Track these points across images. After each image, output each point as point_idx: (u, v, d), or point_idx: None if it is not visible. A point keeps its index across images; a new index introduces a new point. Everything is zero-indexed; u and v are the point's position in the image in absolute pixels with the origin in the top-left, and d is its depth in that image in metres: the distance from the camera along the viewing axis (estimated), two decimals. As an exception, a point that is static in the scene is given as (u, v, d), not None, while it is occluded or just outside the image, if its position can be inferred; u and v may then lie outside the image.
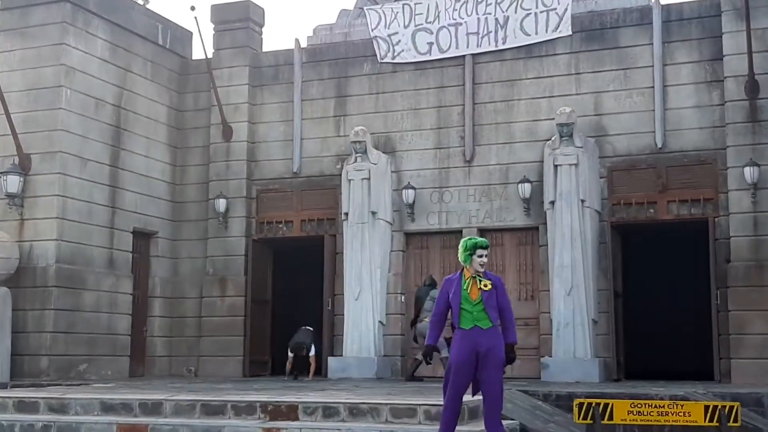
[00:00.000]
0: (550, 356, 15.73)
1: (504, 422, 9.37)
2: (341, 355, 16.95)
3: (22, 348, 15.79)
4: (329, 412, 9.15)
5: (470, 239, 7.78)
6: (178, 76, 19.53)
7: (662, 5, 16.55)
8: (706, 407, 8.67)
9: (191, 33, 20.07)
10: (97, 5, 17.40)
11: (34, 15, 16.79)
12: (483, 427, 7.62)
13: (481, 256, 7.66)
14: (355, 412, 9.07)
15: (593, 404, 8.77)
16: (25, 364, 15.82)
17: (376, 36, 18.16)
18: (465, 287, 7.64)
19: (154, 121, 18.76)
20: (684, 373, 15.94)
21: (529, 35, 17.17)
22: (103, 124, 17.45)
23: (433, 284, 15.35)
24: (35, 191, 16.29)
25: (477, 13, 17.49)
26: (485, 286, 7.61)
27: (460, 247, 7.74)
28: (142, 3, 18.88)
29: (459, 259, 7.75)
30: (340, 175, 17.70)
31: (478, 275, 7.63)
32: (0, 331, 15.47)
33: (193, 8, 17.10)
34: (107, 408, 10.05)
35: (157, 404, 9.91)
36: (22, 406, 10.44)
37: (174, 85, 19.42)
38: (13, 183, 16.09)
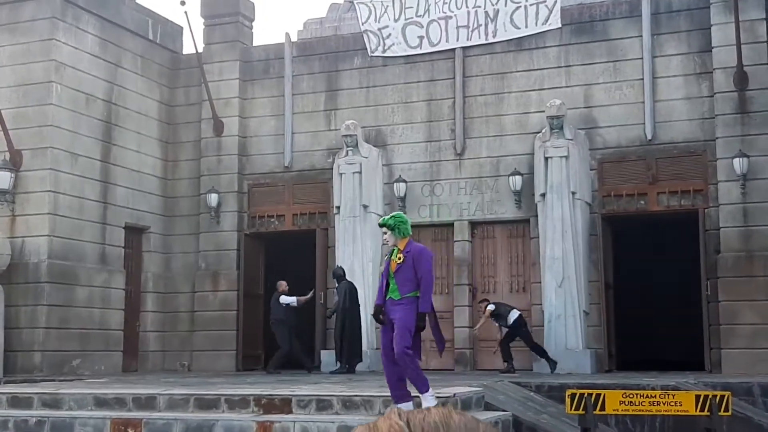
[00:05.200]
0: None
1: (496, 413, 9.46)
2: (334, 349, 16.97)
3: (14, 344, 15.79)
4: (323, 405, 9.20)
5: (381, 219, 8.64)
6: (168, 71, 19.50)
7: (651, -3, 16.62)
8: (697, 397, 8.76)
9: (181, 28, 20.03)
10: (87, 1, 17.35)
11: (24, 11, 16.74)
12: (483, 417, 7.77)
13: (385, 233, 8.47)
14: (349, 404, 9.12)
15: (585, 395, 8.84)
16: (18, 359, 15.82)
17: (366, 30, 18.16)
18: (389, 260, 8.46)
19: (144, 117, 18.74)
20: (675, 363, 16.04)
21: (519, 28, 17.21)
22: (94, 119, 17.42)
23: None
24: (26, 187, 16.27)
25: (467, 7, 17.51)
26: (399, 259, 8.33)
27: None
28: (131, -2, 18.84)
29: None
30: (332, 168, 17.73)
31: (397, 249, 8.31)
32: (-8, 328, 15.47)
33: (183, 3, 17.06)
34: (101, 403, 10.08)
35: (150, 399, 9.95)
36: (16, 401, 10.46)
37: (164, 80, 19.40)
38: (4, 179, 16.06)
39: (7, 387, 11.97)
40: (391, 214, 8.64)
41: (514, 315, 15.21)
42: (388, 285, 8.44)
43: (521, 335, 15.24)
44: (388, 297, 8.42)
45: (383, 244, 17.46)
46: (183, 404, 9.78)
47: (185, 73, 19.46)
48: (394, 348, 8.20)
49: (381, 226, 8.54)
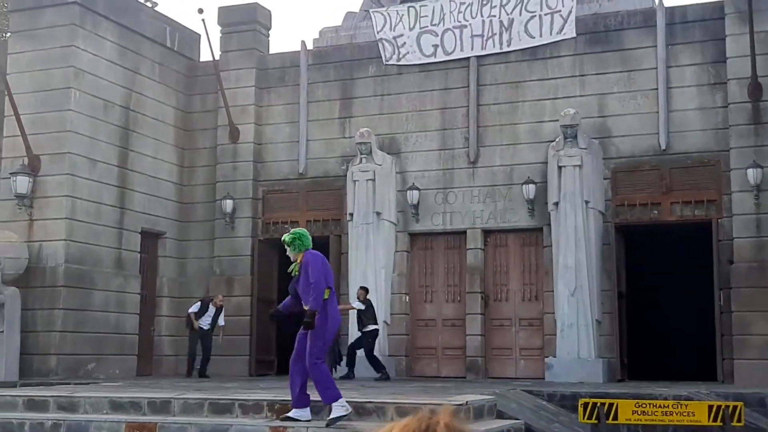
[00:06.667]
0: (554, 357, 15.83)
1: (509, 422, 9.50)
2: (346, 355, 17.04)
3: (31, 347, 15.94)
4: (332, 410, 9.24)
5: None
6: (185, 78, 19.67)
7: (666, 8, 16.64)
8: (710, 407, 8.78)
9: (199, 35, 20.21)
10: (106, 8, 17.55)
11: (44, 17, 16.94)
12: (487, 426, 7.84)
13: (286, 250, 8.84)
14: (361, 411, 9.18)
15: (598, 404, 8.88)
16: (34, 363, 15.97)
17: (381, 38, 18.27)
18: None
19: (161, 123, 18.90)
20: (687, 373, 16.03)
21: (534, 37, 17.27)
22: (112, 125, 17.59)
23: None
24: (44, 192, 16.45)
25: (482, 16, 17.58)
26: (296, 271, 8.73)
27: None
28: (150, 5, 19.03)
29: None
30: (346, 176, 17.83)
31: (295, 263, 8.73)
32: (9, 331, 15.62)
33: (201, 11, 17.21)
34: (116, 406, 10.17)
35: (165, 403, 10.04)
36: (32, 404, 10.57)
37: (181, 86, 19.57)
38: (23, 184, 16.24)
39: (23, 390, 12.09)
40: (291, 231, 8.90)
41: (371, 327, 15.83)
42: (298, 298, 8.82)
43: (366, 345, 15.84)
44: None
45: (395, 252, 17.62)
46: (197, 408, 9.87)
47: (202, 80, 19.62)
48: (307, 357, 8.57)
49: (283, 244, 8.84)
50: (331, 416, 8.52)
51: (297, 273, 8.70)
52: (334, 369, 15.93)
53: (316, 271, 8.54)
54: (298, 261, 8.68)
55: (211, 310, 17.33)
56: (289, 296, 9.01)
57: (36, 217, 16.44)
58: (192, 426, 9.36)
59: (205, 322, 17.28)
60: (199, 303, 17.54)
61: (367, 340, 15.94)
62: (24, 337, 15.86)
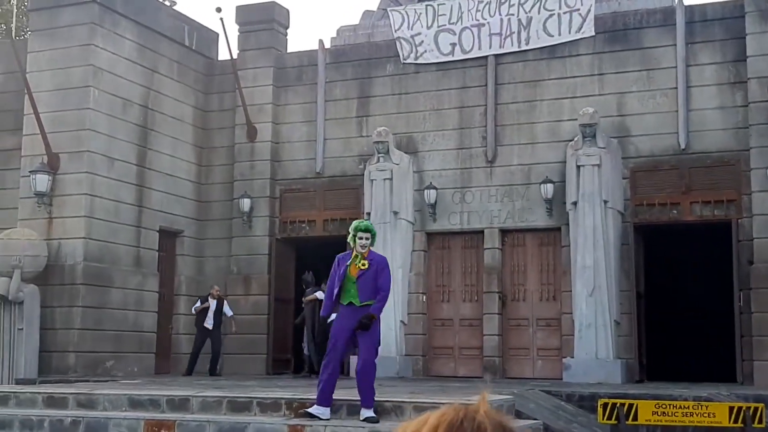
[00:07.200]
0: (572, 357, 15.75)
1: (527, 422, 9.47)
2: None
3: (50, 344, 16.04)
4: (354, 409, 9.25)
5: (357, 222, 8.82)
6: (203, 77, 19.73)
7: (686, 6, 16.53)
8: (731, 408, 8.72)
9: (217, 34, 20.27)
10: (125, 6, 17.62)
11: (63, 16, 17.03)
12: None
13: (361, 239, 8.60)
14: (380, 410, 9.17)
15: (618, 404, 8.83)
16: (52, 360, 16.06)
17: (399, 37, 18.25)
18: (349, 265, 8.60)
19: (180, 122, 18.97)
20: (706, 374, 15.92)
21: (552, 36, 17.19)
22: (130, 124, 17.67)
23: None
24: (63, 190, 16.54)
25: (500, 14, 17.52)
26: (363, 265, 8.52)
27: (350, 229, 8.70)
28: (168, 4, 19.10)
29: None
30: (363, 175, 17.82)
31: (361, 255, 8.44)
32: (28, 328, 15.73)
33: (219, 9, 17.27)
34: (135, 404, 10.22)
35: (184, 400, 10.07)
36: (51, 401, 10.63)
37: (200, 85, 19.62)
38: (42, 182, 16.34)
39: (42, 387, 12.17)
40: (364, 221, 8.88)
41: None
42: (339, 290, 8.68)
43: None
44: (348, 302, 8.68)
45: (412, 251, 17.59)
46: (216, 406, 9.90)
47: (220, 79, 19.67)
48: (363, 358, 8.60)
49: (365, 231, 8.66)
50: (367, 416, 8.64)
51: (365, 266, 8.56)
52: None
53: (388, 279, 8.65)
54: (365, 255, 8.60)
55: (213, 303, 17.29)
56: (327, 298, 8.89)
57: (55, 215, 16.53)
58: (210, 424, 9.39)
59: (209, 321, 17.27)
60: (198, 300, 17.56)
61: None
62: (43, 335, 15.96)
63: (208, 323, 17.27)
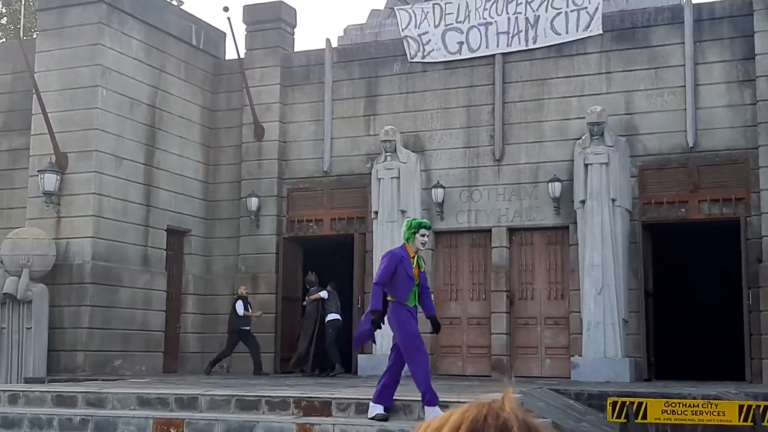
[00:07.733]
0: (581, 356, 15.73)
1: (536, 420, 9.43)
2: (371, 353, 17.05)
3: (58, 343, 16.08)
4: (362, 408, 9.27)
5: (415, 219, 8.39)
6: (211, 76, 19.75)
7: (694, 4, 16.48)
8: (741, 407, 8.69)
9: (224, 33, 20.29)
10: (132, 6, 17.65)
11: (71, 15, 17.08)
12: None
13: (423, 236, 8.38)
14: (389, 408, 9.16)
15: (627, 403, 8.81)
16: (61, 359, 16.11)
17: (406, 36, 18.24)
18: (413, 265, 8.37)
19: (187, 121, 19.00)
20: (715, 373, 15.88)
21: (560, 34, 17.16)
22: (138, 123, 17.70)
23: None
24: (72, 189, 16.58)
25: (507, 13, 17.50)
26: (422, 267, 8.43)
27: (404, 225, 8.29)
28: (176, 4, 19.13)
29: (402, 236, 8.28)
30: (370, 174, 17.81)
31: (419, 255, 8.21)
32: (37, 327, 15.78)
33: (226, 9, 17.30)
34: (144, 402, 10.25)
35: (192, 399, 10.09)
36: (61, 400, 10.67)
37: (207, 85, 19.65)
38: (50, 181, 16.38)
39: (51, 386, 12.21)
40: (421, 219, 8.75)
41: (332, 317, 16.32)
42: (408, 290, 8.47)
43: (327, 336, 16.26)
44: (414, 304, 8.52)
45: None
46: (224, 405, 9.92)
47: (227, 78, 19.70)
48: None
49: (429, 228, 8.52)
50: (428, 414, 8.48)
51: (423, 268, 8.44)
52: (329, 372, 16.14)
53: (426, 280, 8.60)
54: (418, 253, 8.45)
55: (240, 304, 17.09)
56: (377, 291, 8.37)
57: (63, 214, 16.57)
58: (219, 422, 9.41)
59: (245, 323, 17.14)
60: (240, 302, 17.14)
61: (328, 330, 16.26)
62: (51, 334, 16.01)
63: (245, 324, 17.10)
